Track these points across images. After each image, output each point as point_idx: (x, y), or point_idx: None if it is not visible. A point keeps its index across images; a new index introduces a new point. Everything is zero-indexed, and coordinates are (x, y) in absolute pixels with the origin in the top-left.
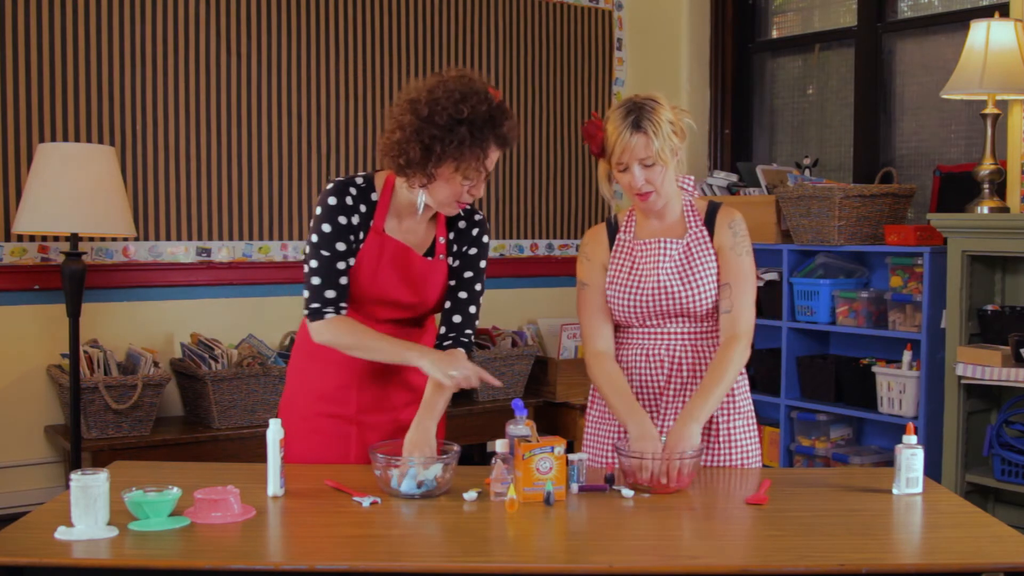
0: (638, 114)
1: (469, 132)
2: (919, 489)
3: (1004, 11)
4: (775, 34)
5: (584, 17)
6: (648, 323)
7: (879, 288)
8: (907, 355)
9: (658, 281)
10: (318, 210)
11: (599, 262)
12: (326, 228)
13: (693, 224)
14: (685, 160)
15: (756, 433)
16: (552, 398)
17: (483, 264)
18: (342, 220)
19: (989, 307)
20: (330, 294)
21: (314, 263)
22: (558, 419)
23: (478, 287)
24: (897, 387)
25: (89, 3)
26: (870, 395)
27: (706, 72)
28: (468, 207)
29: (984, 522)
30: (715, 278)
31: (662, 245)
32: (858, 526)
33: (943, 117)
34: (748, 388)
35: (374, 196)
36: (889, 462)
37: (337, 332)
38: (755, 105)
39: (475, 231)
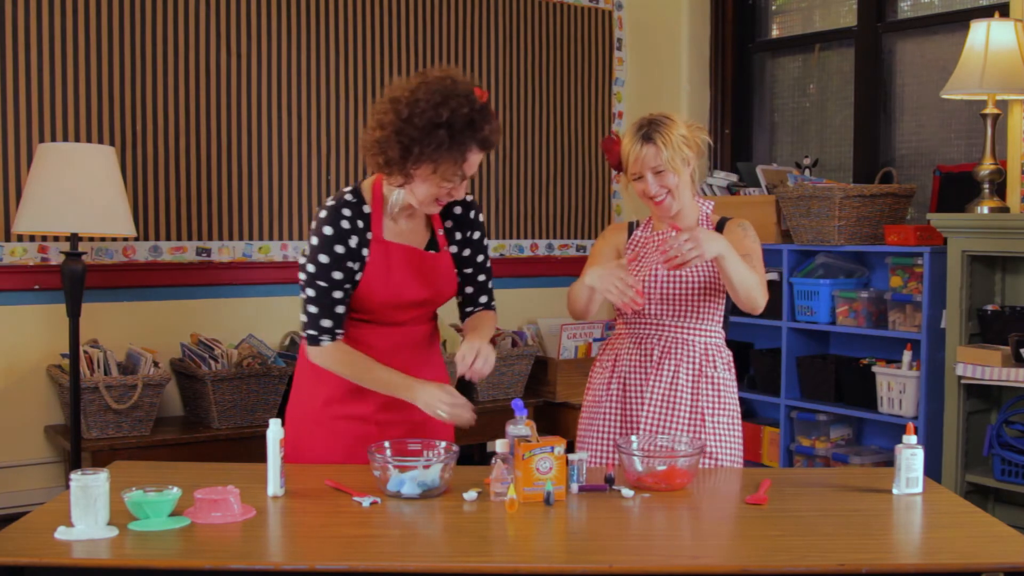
0: (648, 128)
1: (448, 136)
2: (919, 489)
3: (1004, 11)
4: (775, 34)
5: (584, 17)
6: (647, 308)
7: (879, 288)
8: (907, 355)
9: (659, 264)
10: (314, 239)
11: (612, 244)
12: (323, 259)
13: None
14: (698, 172)
15: (740, 432)
16: (552, 398)
17: (486, 241)
18: (339, 249)
19: (989, 307)
20: (326, 323)
21: (311, 291)
22: (558, 419)
23: (488, 264)
24: (897, 387)
25: (89, 3)
26: (870, 395)
27: (706, 72)
28: None
29: (984, 522)
30: (714, 269)
31: (673, 233)
32: (858, 526)
33: (943, 117)
34: (735, 388)
35: (366, 208)
36: (889, 462)
37: (333, 360)
38: (755, 105)
39: (472, 213)
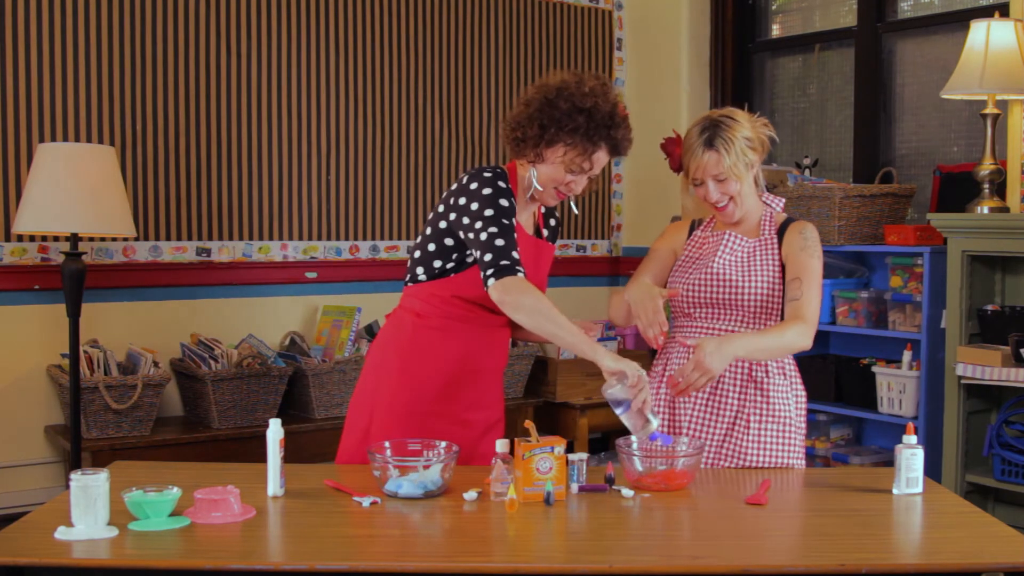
0: (711, 132)
1: (586, 123)
2: (919, 489)
3: (1004, 11)
4: (775, 34)
5: (584, 17)
6: (699, 312)
7: (879, 288)
8: (907, 355)
9: (711, 267)
10: (487, 190)
11: (670, 244)
12: (504, 203)
13: (767, 231)
14: (762, 174)
15: (796, 441)
16: (552, 398)
17: None
18: (514, 201)
19: (989, 307)
20: (516, 255)
21: (494, 228)
22: (558, 419)
23: None
24: (897, 387)
25: (89, 3)
26: (870, 395)
27: (706, 72)
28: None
29: (984, 522)
30: (774, 278)
31: (728, 236)
32: (858, 526)
33: (943, 117)
34: (796, 396)
35: (509, 187)
36: (889, 462)
37: (530, 292)
38: (755, 105)
39: (558, 228)
